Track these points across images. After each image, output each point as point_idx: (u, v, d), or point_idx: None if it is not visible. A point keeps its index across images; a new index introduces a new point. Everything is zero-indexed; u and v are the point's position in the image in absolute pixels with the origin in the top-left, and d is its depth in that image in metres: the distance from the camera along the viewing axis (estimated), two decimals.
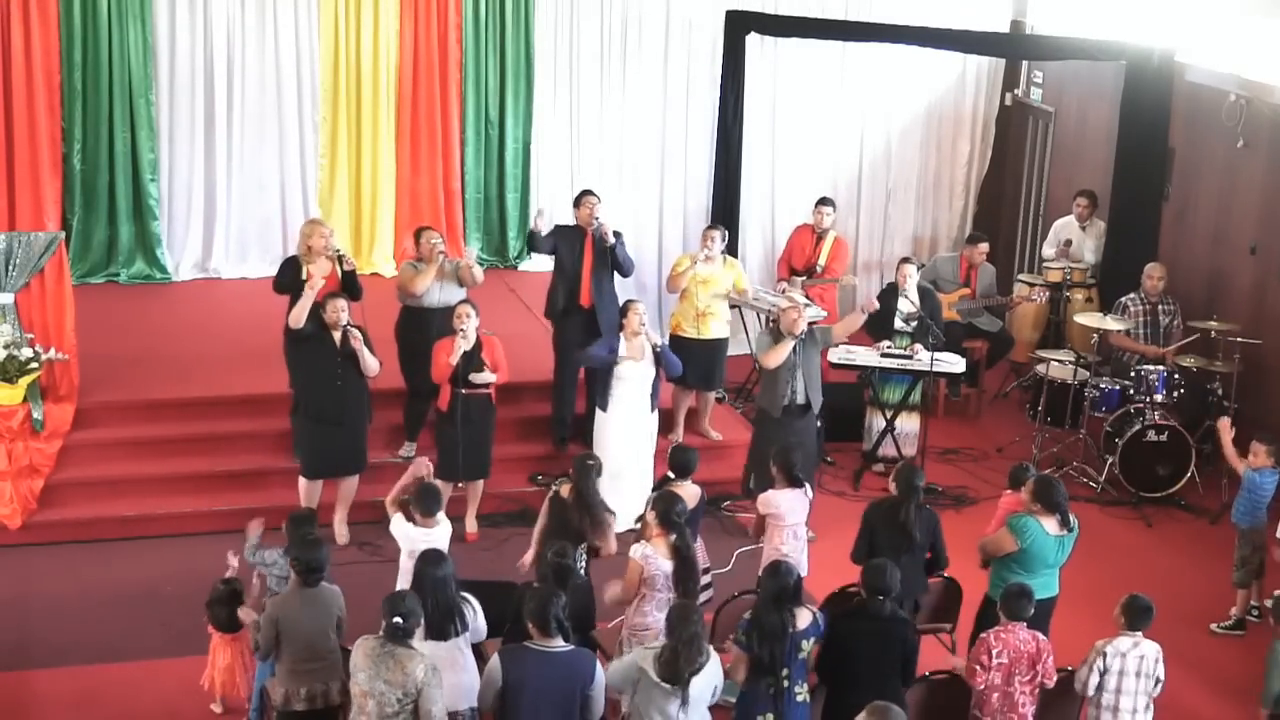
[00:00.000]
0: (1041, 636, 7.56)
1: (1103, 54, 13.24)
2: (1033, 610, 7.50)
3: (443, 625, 7.18)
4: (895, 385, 11.86)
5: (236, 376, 11.10)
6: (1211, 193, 12.80)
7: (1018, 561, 8.22)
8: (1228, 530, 10.27)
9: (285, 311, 10.53)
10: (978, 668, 7.42)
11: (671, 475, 8.81)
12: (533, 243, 11.48)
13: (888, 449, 11.77)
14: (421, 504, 8.25)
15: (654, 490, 8.74)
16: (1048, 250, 13.93)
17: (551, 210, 12.11)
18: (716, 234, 11.54)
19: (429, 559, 7.32)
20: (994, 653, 7.40)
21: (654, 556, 7.82)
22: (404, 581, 8.20)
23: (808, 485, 8.99)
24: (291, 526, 8.03)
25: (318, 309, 10.02)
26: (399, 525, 8.27)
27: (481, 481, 10.49)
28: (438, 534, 8.21)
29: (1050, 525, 8.21)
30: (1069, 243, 13.65)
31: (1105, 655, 7.46)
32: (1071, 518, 8.33)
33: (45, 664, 8.83)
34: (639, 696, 6.79)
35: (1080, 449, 12.03)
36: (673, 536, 7.82)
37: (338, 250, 10.51)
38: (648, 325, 10.51)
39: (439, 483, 10.30)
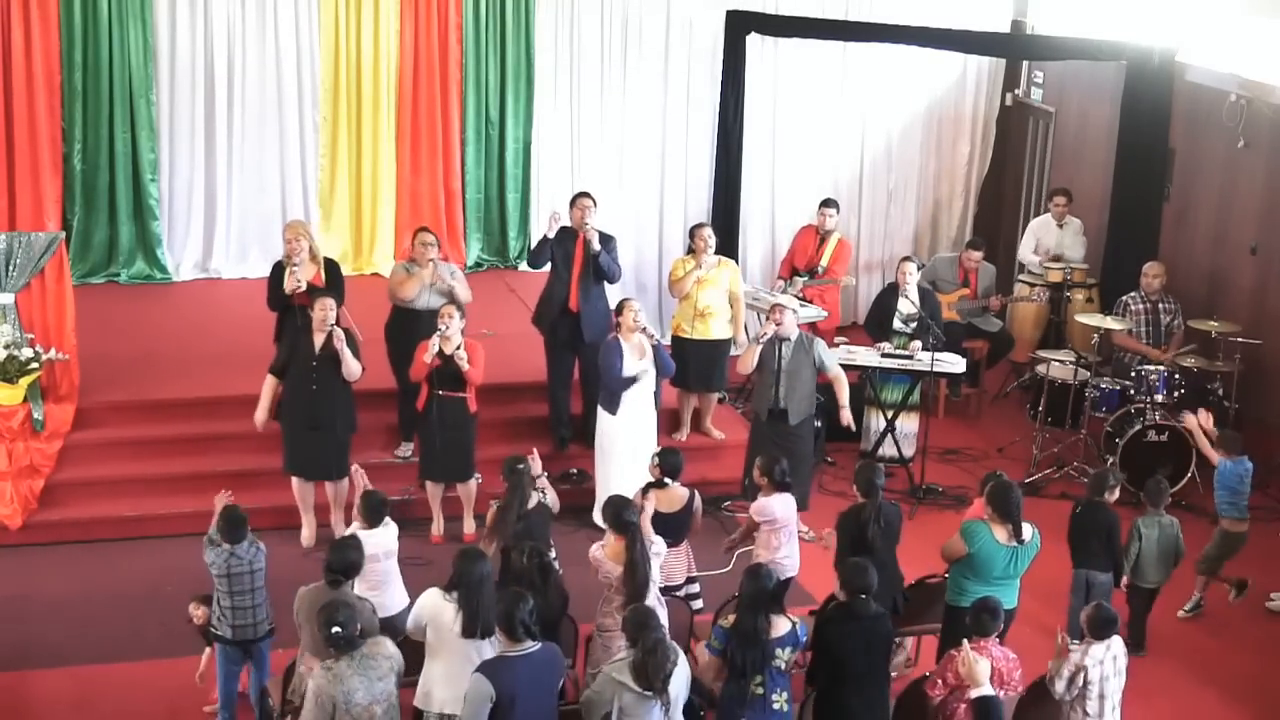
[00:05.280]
0: (1011, 654, 7.41)
1: (1103, 54, 13.24)
2: (1000, 625, 7.38)
3: (472, 624, 7.09)
4: (895, 385, 11.85)
5: (236, 376, 11.07)
6: (1212, 193, 12.80)
7: (969, 566, 8.12)
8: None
9: (275, 325, 10.58)
10: (940, 682, 7.23)
11: (666, 480, 8.79)
12: (539, 252, 11.17)
13: (888, 449, 11.76)
14: (367, 514, 8.23)
15: (641, 492, 8.69)
16: (1027, 254, 13.88)
17: (561, 218, 11.50)
18: (708, 231, 11.46)
19: (468, 556, 7.23)
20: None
21: (603, 560, 7.82)
22: (394, 585, 8.31)
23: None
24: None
25: (303, 310, 10.00)
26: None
27: (474, 483, 10.47)
28: (381, 536, 8.22)
29: (1000, 534, 8.07)
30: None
31: (1087, 669, 7.38)
32: (1030, 531, 8.15)
33: (45, 664, 8.83)
34: (622, 711, 6.71)
35: (1080, 449, 12.01)
36: (625, 538, 7.76)
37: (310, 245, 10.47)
38: (644, 322, 10.46)
39: (429, 484, 10.32)
